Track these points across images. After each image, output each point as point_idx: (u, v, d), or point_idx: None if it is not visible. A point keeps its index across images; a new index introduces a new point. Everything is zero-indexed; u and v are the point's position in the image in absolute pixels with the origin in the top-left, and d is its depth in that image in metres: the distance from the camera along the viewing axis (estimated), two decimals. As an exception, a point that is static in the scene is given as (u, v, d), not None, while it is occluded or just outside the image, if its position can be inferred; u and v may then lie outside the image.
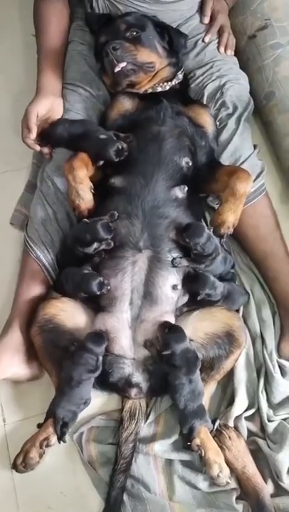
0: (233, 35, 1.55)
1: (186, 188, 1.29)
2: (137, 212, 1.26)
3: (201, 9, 1.51)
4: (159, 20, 1.42)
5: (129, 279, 1.25)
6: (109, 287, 1.24)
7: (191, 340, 1.22)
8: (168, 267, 1.25)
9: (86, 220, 1.25)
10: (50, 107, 1.39)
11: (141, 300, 1.25)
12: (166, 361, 1.20)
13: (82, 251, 1.25)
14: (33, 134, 1.37)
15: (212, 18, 1.51)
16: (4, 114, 1.63)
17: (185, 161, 1.31)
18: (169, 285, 1.25)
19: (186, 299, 1.28)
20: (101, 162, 1.30)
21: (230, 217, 1.27)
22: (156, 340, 1.23)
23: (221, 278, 1.33)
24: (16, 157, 1.56)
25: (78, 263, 1.30)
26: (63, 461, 1.28)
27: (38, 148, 1.39)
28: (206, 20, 1.50)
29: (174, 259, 1.25)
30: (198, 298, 1.25)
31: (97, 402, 1.32)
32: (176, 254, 1.26)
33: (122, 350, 1.24)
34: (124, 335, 1.24)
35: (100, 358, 1.20)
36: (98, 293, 1.24)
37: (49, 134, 1.38)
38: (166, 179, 1.28)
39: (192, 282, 1.26)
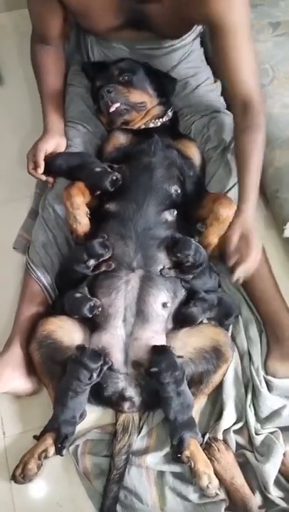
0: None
1: (176, 212, 1.39)
2: (131, 234, 1.35)
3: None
4: (149, 65, 1.55)
5: (122, 297, 1.33)
6: (100, 309, 1.32)
7: (179, 357, 1.29)
8: (158, 286, 1.33)
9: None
10: (56, 145, 1.51)
11: (134, 318, 1.32)
12: (155, 378, 1.26)
13: (81, 271, 1.33)
14: (41, 169, 1.49)
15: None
16: (10, 151, 1.76)
17: (174, 189, 1.41)
18: (160, 303, 1.32)
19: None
20: (98, 192, 1.40)
21: (216, 240, 1.36)
22: (145, 360, 1.30)
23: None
24: (20, 187, 1.68)
25: (75, 284, 1.39)
26: (60, 473, 1.32)
27: (44, 178, 1.50)
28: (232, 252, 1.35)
29: (162, 269, 1.34)
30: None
31: (93, 416, 1.37)
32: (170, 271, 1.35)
33: (116, 364, 1.30)
34: (118, 350, 1.31)
35: (94, 375, 1.26)
36: (90, 316, 1.32)
37: (50, 165, 1.49)
38: (156, 204, 1.37)
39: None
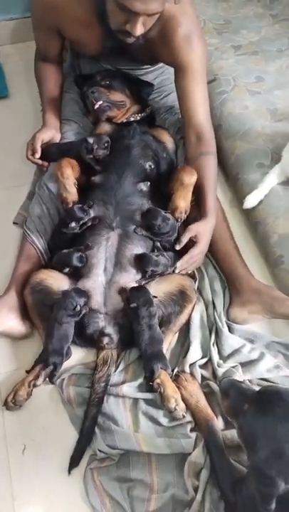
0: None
1: (149, 184, 1.62)
2: (111, 200, 1.57)
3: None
4: (129, 74, 1.84)
5: (103, 250, 1.53)
6: (86, 259, 1.52)
7: (154, 296, 1.48)
8: (134, 241, 1.54)
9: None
10: (52, 136, 1.77)
11: (113, 267, 1.52)
12: (133, 313, 1.45)
13: (68, 232, 1.55)
14: (38, 154, 1.73)
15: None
16: (15, 149, 2.02)
17: (148, 165, 1.65)
18: (133, 254, 1.53)
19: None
20: (90, 156, 1.63)
21: (182, 203, 1.58)
22: (121, 301, 1.49)
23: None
24: (21, 176, 1.93)
25: (65, 244, 1.61)
26: (46, 402, 1.46)
27: (40, 162, 1.74)
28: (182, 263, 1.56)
29: (134, 228, 1.55)
30: (146, 275, 1.52)
31: (77, 356, 1.54)
32: (138, 232, 1.56)
33: (96, 305, 1.49)
34: (99, 293, 1.50)
35: (79, 307, 1.45)
36: (80, 265, 1.53)
37: (45, 152, 1.74)
38: (133, 176, 1.61)
39: (141, 262, 1.52)
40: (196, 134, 1.66)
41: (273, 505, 0.99)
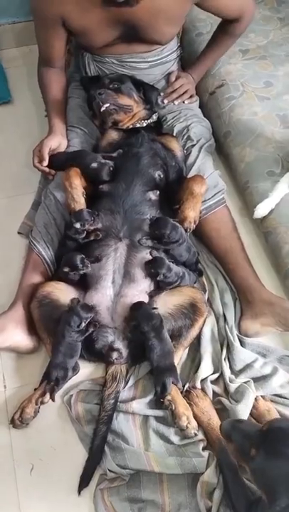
0: (196, 95, 1.94)
1: (158, 193, 1.58)
2: (119, 209, 1.53)
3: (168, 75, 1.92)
4: (136, 78, 1.80)
5: (111, 262, 1.49)
6: (89, 264, 1.48)
7: (154, 308, 1.44)
8: (142, 253, 1.51)
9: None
10: (59, 143, 1.73)
11: (121, 279, 1.48)
12: (137, 329, 1.41)
13: (72, 235, 1.50)
14: (46, 162, 1.69)
15: (174, 86, 1.88)
16: (19, 156, 1.99)
17: (158, 174, 1.61)
18: (142, 262, 1.49)
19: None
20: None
21: (191, 213, 1.54)
22: (130, 315, 1.45)
23: (186, 266, 1.59)
24: (25, 185, 1.89)
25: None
26: (54, 420, 1.42)
27: (47, 170, 1.70)
28: (169, 89, 1.88)
29: (139, 239, 1.50)
30: (158, 278, 1.47)
31: (85, 371, 1.50)
32: (147, 244, 1.51)
33: (105, 319, 1.45)
34: (107, 307, 1.46)
35: (84, 324, 1.41)
36: (81, 266, 1.47)
37: (52, 160, 1.70)
38: (142, 185, 1.57)
39: (152, 265, 1.48)
40: (235, 16, 1.78)
41: None
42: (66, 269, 1.51)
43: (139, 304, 1.43)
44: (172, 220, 1.52)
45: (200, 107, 1.95)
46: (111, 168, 1.58)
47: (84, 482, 1.32)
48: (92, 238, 1.52)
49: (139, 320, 1.39)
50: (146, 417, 1.41)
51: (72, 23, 1.65)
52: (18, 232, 1.78)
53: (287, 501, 0.92)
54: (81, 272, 1.50)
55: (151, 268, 1.49)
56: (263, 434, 1.03)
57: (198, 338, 1.52)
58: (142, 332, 1.40)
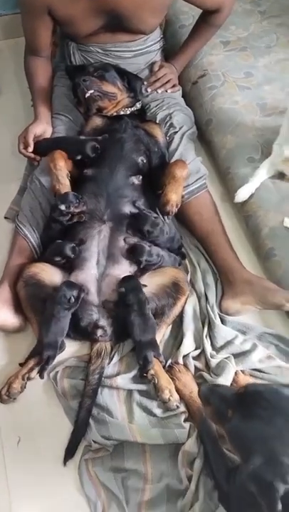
0: (179, 85, 2.00)
1: (141, 177, 1.63)
2: (103, 193, 1.58)
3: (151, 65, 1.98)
4: (120, 67, 1.86)
5: (96, 244, 1.54)
6: (79, 250, 1.52)
7: (144, 285, 1.49)
8: (123, 234, 1.55)
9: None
10: (44, 130, 1.77)
11: (105, 260, 1.53)
12: (122, 300, 1.46)
13: (57, 217, 1.55)
14: (31, 148, 1.74)
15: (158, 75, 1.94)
16: (5, 144, 2.02)
17: (140, 159, 1.66)
18: (124, 245, 1.54)
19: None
20: (79, 156, 1.64)
21: (173, 197, 1.59)
22: (115, 293, 1.50)
23: (170, 251, 1.64)
24: (12, 172, 1.93)
25: (57, 237, 1.61)
26: (41, 395, 1.47)
27: (32, 155, 1.74)
28: (152, 78, 1.94)
29: (124, 238, 1.55)
30: (141, 266, 1.53)
31: (71, 349, 1.54)
32: (129, 228, 1.57)
33: (90, 297, 1.50)
34: (92, 286, 1.51)
35: (72, 298, 1.45)
36: (72, 256, 1.53)
37: (37, 146, 1.74)
38: (125, 170, 1.62)
39: (133, 253, 1.53)
40: (215, 8, 1.84)
41: (280, 506, 0.98)
42: (57, 259, 1.55)
43: (129, 276, 1.49)
44: (153, 217, 1.56)
45: (183, 96, 2.01)
46: (96, 145, 1.63)
47: (69, 453, 1.37)
48: (75, 220, 1.57)
49: (126, 291, 1.44)
50: (130, 392, 1.46)
51: (58, 12, 1.70)
52: (5, 217, 1.82)
53: (260, 460, 0.97)
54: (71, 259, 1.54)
55: (133, 256, 1.54)
56: (239, 396, 1.08)
57: (180, 317, 1.57)
58: (126, 305, 1.45)
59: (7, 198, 1.87)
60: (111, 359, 1.51)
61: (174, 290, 1.52)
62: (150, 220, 1.54)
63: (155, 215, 1.59)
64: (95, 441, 1.36)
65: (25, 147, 1.74)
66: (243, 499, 1.19)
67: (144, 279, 1.53)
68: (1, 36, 2.41)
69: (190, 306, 1.58)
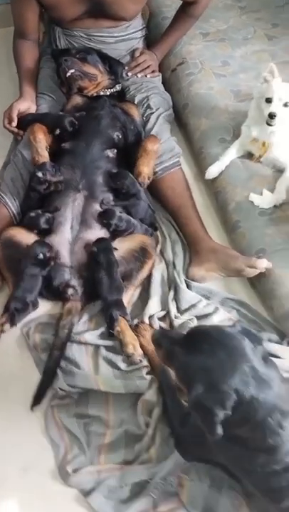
0: (158, 71, 2.12)
1: (116, 151, 1.74)
2: (79, 164, 1.69)
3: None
4: (102, 52, 1.97)
5: (70, 210, 1.64)
6: (53, 219, 1.63)
7: (115, 248, 1.59)
8: (97, 203, 1.66)
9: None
10: (28, 107, 1.89)
11: (79, 225, 1.63)
12: (93, 259, 1.56)
13: (35, 186, 1.65)
14: (14, 123, 1.85)
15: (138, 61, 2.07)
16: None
17: (116, 135, 1.77)
18: (97, 211, 1.65)
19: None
20: (58, 131, 1.75)
21: (145, 169, 1.70)
22: (86, 256, 1.60)
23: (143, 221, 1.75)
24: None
25: (35, 205, 1.71)
26: (13, 348, 1.56)
27: (16, 130, 1.85)
28: (133, 63, 2.06)
29: (103, 199, 1.66)
30: (110, 229, 1.63)
31: (45, 308, 1.64)
32: (105, 195, 1.67)
33: (62, 259, 1.60)
34: (65, 248, 1.61)
35: (42, 255, 1.55)
36: (47, 227, 1.63)
37: (21, 121, 1.85)
38: (101, 144, 1.73)
39: (103, 216, 1.64)
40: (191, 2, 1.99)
41: (220, 430, 1.07)
42: (34, 232, 1.65)
43: (103, 238, 1.59)
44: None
45: (163, 82, 2.12)
46: (73, 120, 1.74)
47: (37, 400, 1.46)
48: (52, 189, 1.67)
49: (97, 251, 1.55)
50: (97, 347, 1.54)
51: None
52: (-11, 188, 1.93)
53: (201, 388, 1.05)
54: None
55: (103, 219, 1.64)
56: (186, 336, 1.17)
57: (148, 282, 1.67)
58: (96, 264, 1.54)
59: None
60: (81, 318, 1.60)
61: (141, 254, 1.62)
62: (130, 175, 1.66)
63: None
64: (61, 389, 1.45)
65: (10, 122, 1.85)
66: (194, 439, 1.29)
67: (115, 244, 1.63)
68: (-6, 24, 2.53)
69: (158, 272, 1.68)
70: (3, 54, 2.47)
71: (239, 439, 1.09)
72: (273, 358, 1.36)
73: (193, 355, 1.11)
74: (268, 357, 1.10)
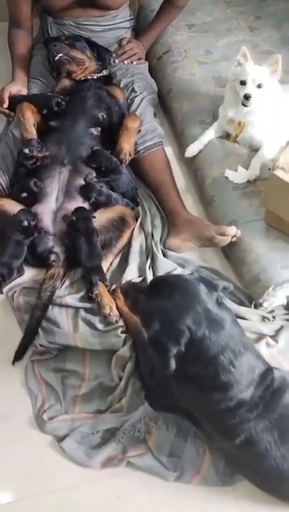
0: (144, 59, 2.23)
1: (99, 129, 1.85)
2: (64, 140, 1.79)
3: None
4: (91, 40, 2.09)
5: (56, 182, 1.75)
6: (42, 185, 1.74)
7: (93, 216, 1.69)
8: (82, 177, 1.76)
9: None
10: (19, 90, 2.00)
11: (63, 197, 1.74)
12: (73, 226, 1.66)
13: (22, 161, 1.76)
14: (6, 104, 1.96)
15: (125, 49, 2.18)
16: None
17: (101, 114, 1.87)
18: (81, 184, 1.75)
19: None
20: (45, 110, 1.87)
21: (126, 146, 1.81)
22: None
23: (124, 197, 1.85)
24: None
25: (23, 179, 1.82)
26: (-3, 311, 1.68)
27: (7, 111, 1.96)
28: (120, 51, 2.18)
29: (87, 175, 1.77)
30: (90, 201, 1.73)
31: (29, 275, 1.73)
32: (87, 170, 1.78)
33: (46, 227, 1.70)
34: (49, 217, 1.71)
35: (26, 222, 1.65)
36: (36, 189, 1.73)
37: (12, 102, 1.96)
38: (86, 122, 1.84)
39: (84, 189, 1.75)
40: None
41: (173, 365, 1.16)
42: (24, 195, 1.76)
43: (81, 207, 1.70)
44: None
45: (149, 70, 2.23)
46: (60, 100, 1.85)
47: (18, 356, 1.55)
48: (39, 164, 1.78)
49: (76, 219, 1.65)
50: (77, 309, 1.63)
51: None
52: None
53: (157, 325, 1.13)
54: (35, 193, 1.75)
55: (84, 192, 1.75)
56: (149, 285, 1.27)
57: (128, 252, 1.76)
58: (75, 232, 1.64)
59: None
60: (63, 283, 1.70)
61: (120, 223, 1.72)
62: (105, 153, 1.76)
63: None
64: (41, 345, 1.54)
65: (1, 103, 1.96)
66: (160, 389, 1.38)
67: (96, 214, 1.73)
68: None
69: (137, 242, 1.78)
70: (1, 47, 2.60)
71: (195, 379, 1.18)
72: (241, 320, 1.47)
73: (153, 300, 1.20)
74: (222, 302, 1.19)
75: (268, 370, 1.22)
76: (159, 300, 1.18)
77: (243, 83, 1.76)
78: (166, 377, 1.23)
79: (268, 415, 1.16)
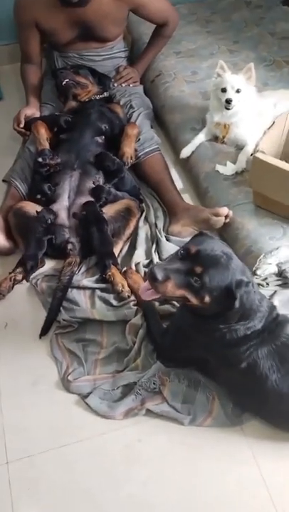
0: (139, 82, 2.52)
1: (104, 137, 2.11)
2: (73, 149, 2.05)
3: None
4: (93, 68, 2.39)
5: (68, 184, 1.98)
6: (54, 189, 1.98)
7: (102, 211, 1.91)
8: (90, 179, 2.00)
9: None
10: (33, 113, 2.28)
11: (74, 195, 1.97)
12: (84, 219, 1.88)
13: (37, 169, 2.01)
14: (22, 125, 2.23)
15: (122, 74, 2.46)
16: (6, 139, 2.52)
17: (104, 126, 2.13)
18: (91, 186, 1.99)
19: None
20: (55, 128, 2.13)
21: (127, 150, 2.06)
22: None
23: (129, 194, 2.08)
24: (11, 152, 2.41)
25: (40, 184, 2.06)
26: (24, 296, 1.86)
27: (23, 130, 2.23)
28: (118, 76, 2.45)
29: (93, 181, 2.00)
30: (101, 201, 1.96)
31: (50, 265, 1.94)
32: (95, 173, 2.02)
33: (62, 221, 1.92)
34: (64, 212, 1.94)
35: (49, 221, 1.87)
36: (49, 192, 1.97)
37: (28, 124, 2.24)
38: (91, 132, 2.10)
39: (95, 192, 1.98)
40: (162, 23, 2.39)
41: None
42: (38, 196, 2.00)
43: (90, 201, 1.92)
44: (112, 156, 2.02)
45: (144, 92, 2.52)
46: (68, 119, 2.12)
47: (44, 331, 1.73)
48: (52, 170, 2.03)
49: (87, 211, 1.87)
50: (93, 290, 1.83)
51: (43, 25, 2.25)
52: (3, 180, 2.28)
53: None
54: (48, 196, 1.99)
55: (95, 194, 1.98)
56: (192, 255, 1.28)
57: (135, 240, 1.97)
58: (86, 222, 1.86)
59: (6, 169, 2.35)
60: (79, 270, 1.90)
61: (126, 213, 1.94)
62: (108, 155, 2.01)
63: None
64: (64, 320, 1.73)
65: (18, 124, 2.24)
66: (173, 345, 1.55)
67: (105, 208, 1.96)
68: (7, 61, 3.00)
69: (143, 231, 2.00)
70: (14, 83, 2.92)
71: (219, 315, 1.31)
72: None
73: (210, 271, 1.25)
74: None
75: (273, 305, 1.40)
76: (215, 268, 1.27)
77: (223, 90, 2.02)
78: (187, 326, 1.42)
79: (272, 341, 1.33)
